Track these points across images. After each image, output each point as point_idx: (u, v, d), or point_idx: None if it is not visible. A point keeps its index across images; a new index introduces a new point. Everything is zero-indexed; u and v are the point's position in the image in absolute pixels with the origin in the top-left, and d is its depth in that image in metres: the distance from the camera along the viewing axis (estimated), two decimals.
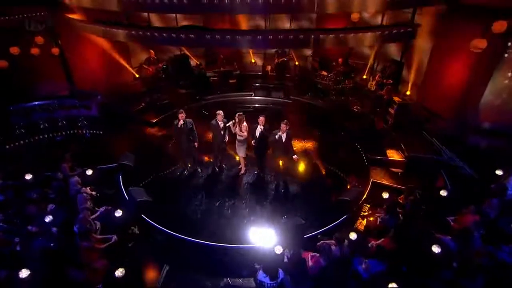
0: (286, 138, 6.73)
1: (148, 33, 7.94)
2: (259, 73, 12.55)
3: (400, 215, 5.57)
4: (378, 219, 5.73)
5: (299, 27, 11.98)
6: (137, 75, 11.74)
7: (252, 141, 7.20)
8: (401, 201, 5.89)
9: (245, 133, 7.04)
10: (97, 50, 10.48)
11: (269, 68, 12.46)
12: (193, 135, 7.16)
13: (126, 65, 11.47)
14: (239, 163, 7.72)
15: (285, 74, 12.12)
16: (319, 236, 5.52)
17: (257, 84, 11.48)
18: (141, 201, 6.40)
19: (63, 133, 9.13)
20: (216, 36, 7.29)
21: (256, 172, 7.59)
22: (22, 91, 8.85)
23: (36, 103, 9.08)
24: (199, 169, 7.76)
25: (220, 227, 6.09)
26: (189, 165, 7.82)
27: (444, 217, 5.43)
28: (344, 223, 5.92)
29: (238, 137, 7.25)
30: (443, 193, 5.72)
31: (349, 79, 11.14)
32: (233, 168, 7.76)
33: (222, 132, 7.19)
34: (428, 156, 7.56)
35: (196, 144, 7.27)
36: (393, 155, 8.03)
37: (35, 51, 9.35)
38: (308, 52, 12.51)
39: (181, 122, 7.07)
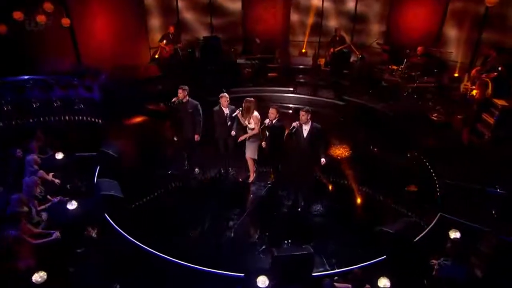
0: (309, 133, 6.12)
1: None
2: (309, 67, 12.45)
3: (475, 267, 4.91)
4: (435, 265, 5.05)
5: None
6: (156, 56, 12.02)
7: (263, 143, 6.85)
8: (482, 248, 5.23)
9: (255, 127, 6.77)
10: (109, 24, 10.98)
11: (322, 61, 12.49)
12: (195, 122, 6.99)
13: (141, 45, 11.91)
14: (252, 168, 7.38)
15: (343, 69, 11.89)
16: (335, 278, 5.07)
17: (301, 80, 11.51)
18: (107, 196, 6.21)
19: (56, 117, 9.32)
20: None
21: (269, 183, 7.35)
22: (23, 63, 9.42)
23: (27, 77, 9.49)
24: (196, 170, 7.67)
25: (205, 247, 5.94)
26: (186, 161, 7.73)
27: None
28: (375, 266, 5.35)
29: (248, 130, 6.93)
30: None
31: (430, 76, 10.31)
32: (242, 174, 7.57)
33: (228, 123, 7.02)
34: None
35: (197, 136, 7.11)
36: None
37: (41, 18, 10.01)
38: (373, 39, 12.21)
39: (174, 99, 6.89)
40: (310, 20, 12.61)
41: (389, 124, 9.45)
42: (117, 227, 6.03)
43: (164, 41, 11.52)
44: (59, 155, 7.12)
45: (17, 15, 9.54)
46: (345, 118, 10.02)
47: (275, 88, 11.38)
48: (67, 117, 9.27)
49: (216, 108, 6.93)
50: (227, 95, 6.88)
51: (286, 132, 6.31)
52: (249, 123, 6.73)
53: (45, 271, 4.58)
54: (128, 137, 8.56)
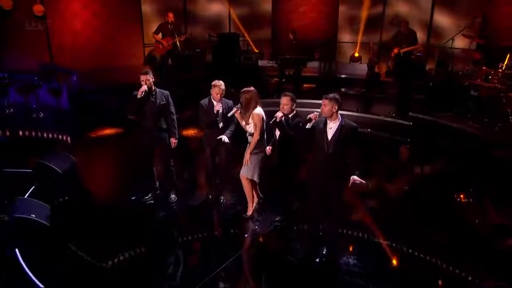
0: (336, 135, 5.39)
1: None
2: (362, 77, 12.45)
3: None
4: None
5: None
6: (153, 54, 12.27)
7: (268, 148, 6.32)
8: None
9: (255, 131, 6.20)
10: (91, 13, 11.52)
11: (383, 69, 12.53)
12: (168, 119, 6.79)
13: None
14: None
15: (411, 78, 11.61)
16: None
17: (349, 92, 11.51)
18: (23, 221, 5.77)
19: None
20: None
21: (278, 220, 6.64)
22: None
23: None
24: (172, 196, 7.15)
25: None
26: (157, 184, 7.20)
27: None
28: None
29: (248, 137, 6.41)
30: None
31: None
32: (236, 203, 7.17)
33: (220, 124, 6.66)
34: None
35: (174, 141, 6.85)
36: None
37: (5, 2, 10.44)
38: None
39: (144, 88, 6.48)
40: (365, 10, 12.45)
41: (483, 155, 9.01)
42: (30, 273, 5.38)
43: (160, 34, 11.54)
44: None
45: None
46: (413, 143, 9.78)
47: (308, 101, 10.88)
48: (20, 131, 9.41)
49: (204, 101, 6.63)
50: (222, 84, 6.56)
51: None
52: (247, 124, 6.28)
53: None
54: (87, 150, 8.68)
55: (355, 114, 10.81)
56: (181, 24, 12.41)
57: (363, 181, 5.39)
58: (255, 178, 6.50)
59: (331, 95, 5.39)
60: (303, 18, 12.78)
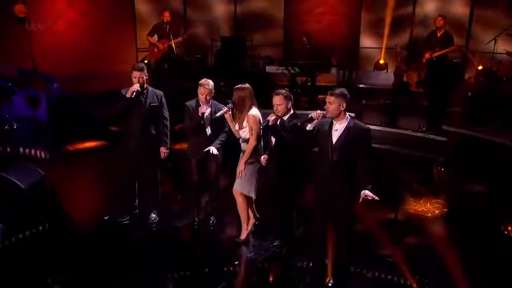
0: (343, 137, 5.25)
1: None
2: (388, 87, 12.46)
3: None
4: None
5: None
6: (146, 61, 12.26)
7: (262, 157, 6.20)
8: None
9: (251, 137, 6.08)
10: (78, 15, 11.64)
11: (413, 78, 12.60)
12: (159, 124, 6.72)
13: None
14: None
15: (446, 87, 11.41)
16: None
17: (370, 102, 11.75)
18: None
19: None
20: None
21: (276, 245, 6.48)
22: None
23: None
24: (152, 215, 7.02)
25: None
26: (136, 202, 7.19)
27: None
28: None
29: (241, 144, 6.32)
30: None
31: None
32: (228, 225, 7.12)
33: (207, 131, 6.60)
34: None
35: (164, 150, 6.74)
36: None
37: None
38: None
39: (136, 87, 6.37)
40: (391, 10, 12.28)
41: None
42: None
43: (156, 36, 11.55)
44: None
45: None
46: (448, 163, 9.53)
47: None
48: None
49: (191, 102, 6.58)
50: (209, 83, 6.49)
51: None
52: (241, 128, 6.10)
53: None
54: (62, 165, 8.71)
55: (378, 128, 10.63)
56: (181, 25, 12.52)
57: (376, 197, 5.12)
58: (252, 194, 6.31)
59: (338, 91, 5.24)
60: (319, 21, 12.80)
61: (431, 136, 10.40)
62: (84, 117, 10.35)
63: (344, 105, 5.13)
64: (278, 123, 5.81)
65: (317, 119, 5.26)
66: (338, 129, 5.18)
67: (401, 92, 12.01)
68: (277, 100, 5.80)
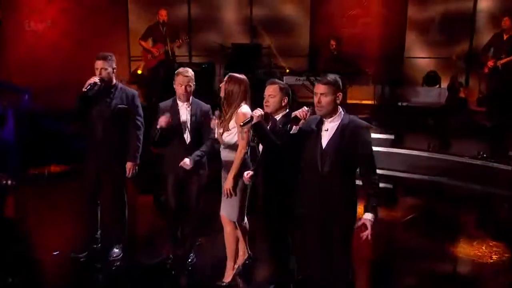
0: (336, 138, 4.88)
1: None
2: (439, 106, 12.54)
3: None
4: None
5: None
6: (139, 71, 12.57)
7: (245, 173, 5.87)
8: None
9: (240, 141, 5.74)
10: (59, 14, 11.75)
11: (473, 93, 12.62)
12: (129, 132, 6.45)
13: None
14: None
15: None
16: None
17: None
18: None
19: None
20: None
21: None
22: None
23: None
24: (115, 251, 6.75)
25: None
26: (98, 234, 6.94)
27: None
28: None
29: (222, 153, 6.04)
30: None
31: None
32: (211, 263, 6.81)
33: (186, 138, 6.27)
34: None
35: (129, 166, 6.45)
36: None
37: None
38: None
39: (94, 80, 6.04)
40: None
41: None
42: None
43: (150, 41, 11.64)
44: None
45: None
46: None
47: None
48: None
49: (166, 102, 6.29)
50: (188, 71, 6.09)
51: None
52: (226, 130, 5.73)
53: None
54: (21, 190, 8.82)
55: (425, 154, 10.47)
56: (181, 26, 12.54)
57: (370, 230, 4.67)
58: (243, 223, 5.97)
59: (330, 77, 4.74)
60: (352, 25, 12.84)
61: (494, 164, 9.87)
62: (56, 136, 10.38)
63: (340, 97, 4.71)
64: (268, 123, 5.31)
65: (304, 119, 4.70)
66: (329, 128, 4.71)
67: (456, 110, 11.85)
68: (271, 90, 5.39)
